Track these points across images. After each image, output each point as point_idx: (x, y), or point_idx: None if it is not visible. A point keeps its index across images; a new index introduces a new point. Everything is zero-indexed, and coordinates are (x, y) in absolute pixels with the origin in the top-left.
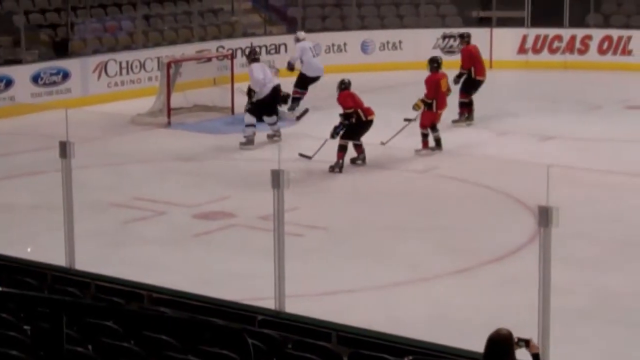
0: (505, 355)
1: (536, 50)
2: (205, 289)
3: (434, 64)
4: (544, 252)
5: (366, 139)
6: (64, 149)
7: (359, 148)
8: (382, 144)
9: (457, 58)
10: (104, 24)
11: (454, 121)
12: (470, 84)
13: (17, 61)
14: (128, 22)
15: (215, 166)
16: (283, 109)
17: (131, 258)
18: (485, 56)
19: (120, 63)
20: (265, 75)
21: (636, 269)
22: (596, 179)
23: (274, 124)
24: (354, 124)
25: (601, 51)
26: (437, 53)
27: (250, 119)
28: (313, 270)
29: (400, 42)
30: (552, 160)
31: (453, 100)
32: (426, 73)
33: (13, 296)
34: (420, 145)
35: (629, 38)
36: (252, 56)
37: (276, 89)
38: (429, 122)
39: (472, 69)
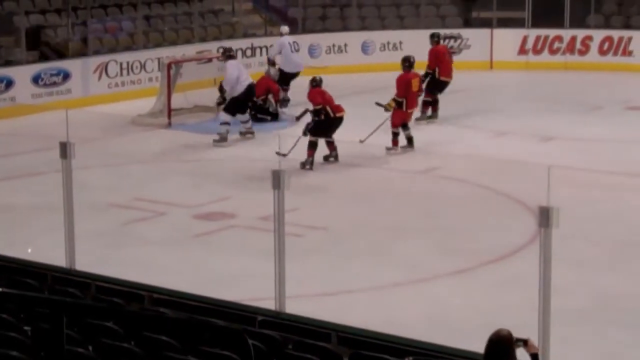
0: (505, 356)
1: (537, 51)
2: (205, 290)
3: (406, 63)
4: (544, 253)
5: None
6: (65, 149)
7: (331, 145)
8: (361, 141)
9: (457, 59)
10: (105, 24)
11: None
12: (434, 83)
13: (18, 62)
14: (129, 23)
15: (216, 167)
16: (283, 110)
17: (131, 259)
18: (485, 57)
19: (121, 64)
20: (240, 74)
21: (636, 269)
22: (597, 180)
23: (247, 121)
24: (323, 120)
25: (602, 52)
26: None
27: (225, 117)
28: (313, 270)
29: (400, 42)
30: (552, 161)
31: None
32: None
33: (13, 297)
34: (390, 144)
35: (630, 39)
36: (228, 53)
37: (251, 87)
38: (400, 121)
39: (437, 69)
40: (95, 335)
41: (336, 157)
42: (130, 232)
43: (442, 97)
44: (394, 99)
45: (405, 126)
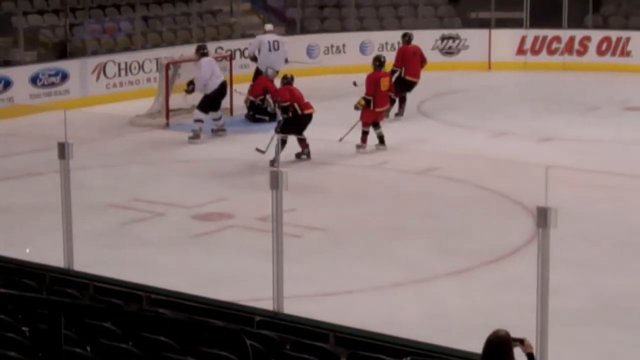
0: (503, 356)
1: (535, 52)
2: (203, 290)
3: (376, 62)
4: (542, 253)
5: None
6: (63, 150)
7: (302, 143)
8: (340, 140)
9: (456, 59)
10: (103, 25)
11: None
12: (399, 82)
13: (16, 62)
14: (127, 24)
15: (214, 167)
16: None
17: (130, 259)
18: (484, 57)
19: (119, 64)
20: (213, 71)
21: (634, 269)
22: (595, 180)
23: (219, 119)
24: (291, 118)
25: (600, 52)
26: (436, 54)
27: (199, 114)
28: (311, 271)
29: (399, 43)
30: (550, 161)
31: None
32: (423, 74)
33: (11, 297)
34: (360, 141)
35: (628, 39)
36: (202, 51)
37: (224, 85)
38: (369, 120)
39: (403, 69)
40: (94, 336)
41: (308, 155)
42: (129, 233)
43: (441, 98)
44: (363, 98)
45: (376, 125)
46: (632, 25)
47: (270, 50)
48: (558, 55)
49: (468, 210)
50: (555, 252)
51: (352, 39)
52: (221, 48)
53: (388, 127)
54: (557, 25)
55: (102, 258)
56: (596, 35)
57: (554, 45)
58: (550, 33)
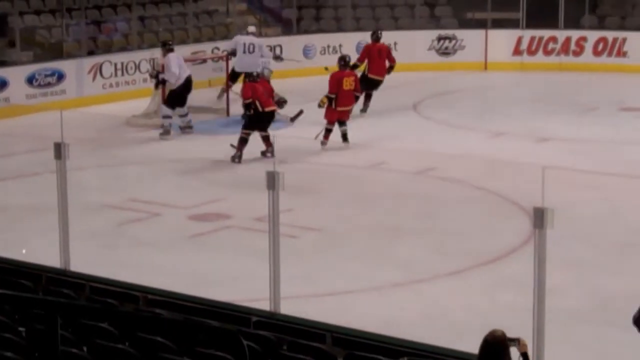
0: (500, 356)
1: (531, 52)
2: (200, 291)
3: (341, 62)
4: (539, 254)
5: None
6: (59, 150)
7: (267, 141)
8: (315, 138)
9: (452, 60)
10: (99, 25)
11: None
12: (363, 80)
13: (12, 62)
14: (123, 24)
15: (210, 167)
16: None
17: (126, 259)
18: (480, 58)
19: (115, 64)
20: (180, 67)
21: (631, 270)
22: (591, 181)
23: (185, 115)
24: (252, 115)
25: (596, 53)
26: (433, 55)
27: (166, 110)
28: (308, 271)
29: (395, 43)
30: (547, 162)
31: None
32: (420, 75)
33: (8, 298)
34: (322, 138)
35: (624, 40)
36: (167, 46)
37: (189, 80)
38: (333, 118)
39: (367, 67)
40: (90, 336)
41: (272, 153)
42: (125, 233)
43: (437, 98)
44: (326, 96)
45: (342, 123)
46: (628, 26)
47: (244, 52)
48: (554, 55)
49: (465, 211)
50: (552, 253)
51: (348, 39)
52: (217, 48)
53: (387, 128)
54: (554, 25)
55: (98, 258)
56: (592, 35)
57: (551, 45)
58: (546, 33)
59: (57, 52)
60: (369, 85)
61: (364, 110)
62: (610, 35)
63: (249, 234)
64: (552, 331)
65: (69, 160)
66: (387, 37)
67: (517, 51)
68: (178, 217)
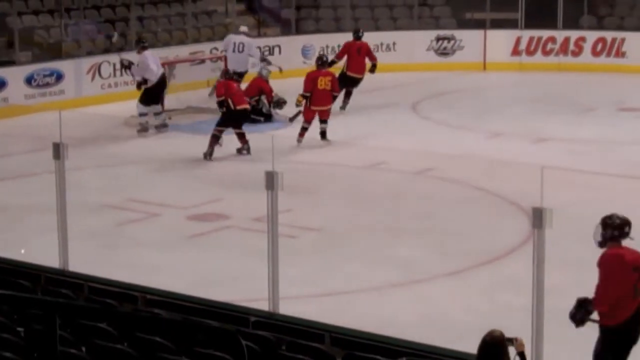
0: (498, 357)
1: (530, 52)
2: (199, 291)
3: (318, 61)
4: (537, 254)
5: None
6: (57, 150)
7: (242, 138)
8: (290, 120)
9: (451, 60)
10: (98, 25)
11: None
12: (342, 78)
13: (11, 62)
14: (122, 24)
15: (209, 168)
16: (276, 111)
17: (125, 260)
18: (479, 58)
19: (114, 65)
20: (155, 64)
21: None
22: (590, 181)
23: (160, 113)
24: (225, 112)
25: (595, 53)
26: (432, 55)
27: (142, 108)
28: (306, 271)
29: (394, 43)
30: (546, 162)
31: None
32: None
33: (6, 298)
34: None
35: (623, 40)
36: (142, 44)
37: (163, 78)
38: (309, 117)
39: (345, 64)
40: (89, 336)
41: (248, 150)
42: (124, 233)
43: (436, 98)
44: (301, 95)
45: (322, 121)
46: (627, 26)
47: (234, 51)
48: (553, 56)
49: (464, 211)
50: (551, 253)
51: (347, 40)
52: (216, 49)
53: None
54: (552, 26)
55: (97, 258)
56: (591, 36)
57: (549, 46)
58: (545, 34)
59: (55, 52)
60: (347, 82)
61: (343, 107)
62: (608, 35)
63: (248, 234)
64: (551, 331)
65: (67, 160)
66: (386, 38)
67: (515, 51)
68: (177, 217)
